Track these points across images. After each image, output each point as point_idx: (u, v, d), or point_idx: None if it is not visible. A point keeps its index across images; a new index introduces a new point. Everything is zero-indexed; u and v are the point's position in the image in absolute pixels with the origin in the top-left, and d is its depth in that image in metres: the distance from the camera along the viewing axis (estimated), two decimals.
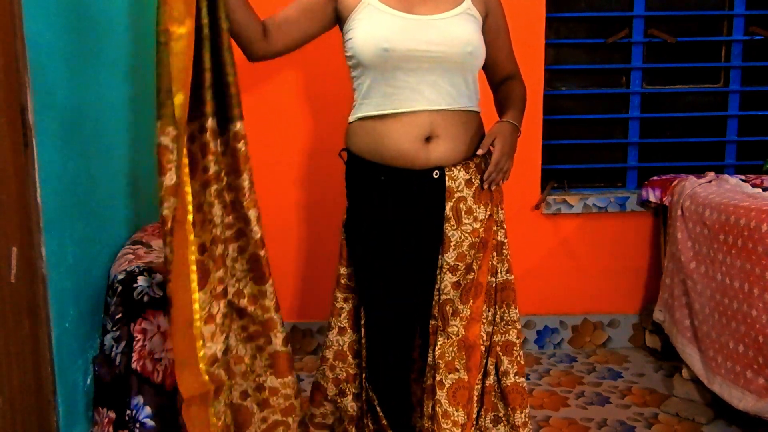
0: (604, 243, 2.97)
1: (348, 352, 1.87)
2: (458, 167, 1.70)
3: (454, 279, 1.73)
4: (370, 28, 1.63)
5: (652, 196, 2.78)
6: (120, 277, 1.85)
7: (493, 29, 1.78)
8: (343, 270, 1.85)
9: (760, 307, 2.03)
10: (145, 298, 1.82)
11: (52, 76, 1.70)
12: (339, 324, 1.87)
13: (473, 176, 1.72)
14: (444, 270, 1.73)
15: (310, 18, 1.71)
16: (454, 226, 1.71)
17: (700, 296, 2.35)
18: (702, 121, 3.06)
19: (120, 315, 1.83)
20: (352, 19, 1.67)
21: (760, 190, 2.36)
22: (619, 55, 3.00)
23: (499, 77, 1.86)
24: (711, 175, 2.60)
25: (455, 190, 1.70)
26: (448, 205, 1.70)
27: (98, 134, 2.00)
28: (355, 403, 1.89)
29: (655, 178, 2.82)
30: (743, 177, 2.67)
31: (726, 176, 2.59)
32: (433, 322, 1.76)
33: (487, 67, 1.83)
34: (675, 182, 2.64)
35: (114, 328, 1.84)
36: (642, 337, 3.00)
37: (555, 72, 2.97)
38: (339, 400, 1.90)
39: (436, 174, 1.68)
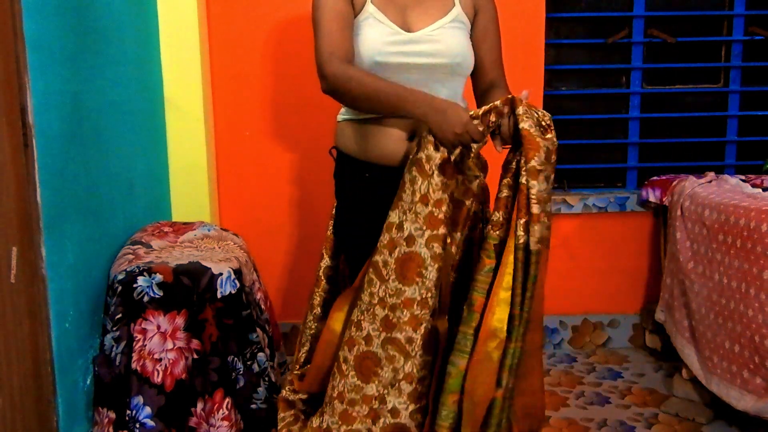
0: (604, 243, 2.97)
1: None
2: None
3: None
4: (365, 40, 1.66)
5: (652, 196, 2.78)
6: (120, 277, 1.86)
7: (481, 29, 1.77)
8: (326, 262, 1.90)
9: (756, 307, 2.03)
10: (145, 298, 1.82)
11: (52, 76, 1.70)
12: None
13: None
14: None
15: (351, 29, 1.68)
16: None
17: (697, 296, 2.35)
18: (702, 121, 3.06)
19: (120, 315, 1.83)
20: (355, 25, 1.68)
21: (760, 190, 2.36)
22: (619, 55, 3.00)
23: (484, 84, 1.80)
24: (711, 175, 2.60)
25: None
26: None
27: (98, 134, 2.00)
28: None
29: (654, 178, 2.82)
30: (743, 177, 2.67)
31: (726, 176, 2.59)
32: None
33: (473, 72, 1.79)
34: (675, 182, 2.64)
35: (114, 328, 1.84)
36: (642, 337, 3.00)
37: (555, 72, 2.97)
38: None
39: None
